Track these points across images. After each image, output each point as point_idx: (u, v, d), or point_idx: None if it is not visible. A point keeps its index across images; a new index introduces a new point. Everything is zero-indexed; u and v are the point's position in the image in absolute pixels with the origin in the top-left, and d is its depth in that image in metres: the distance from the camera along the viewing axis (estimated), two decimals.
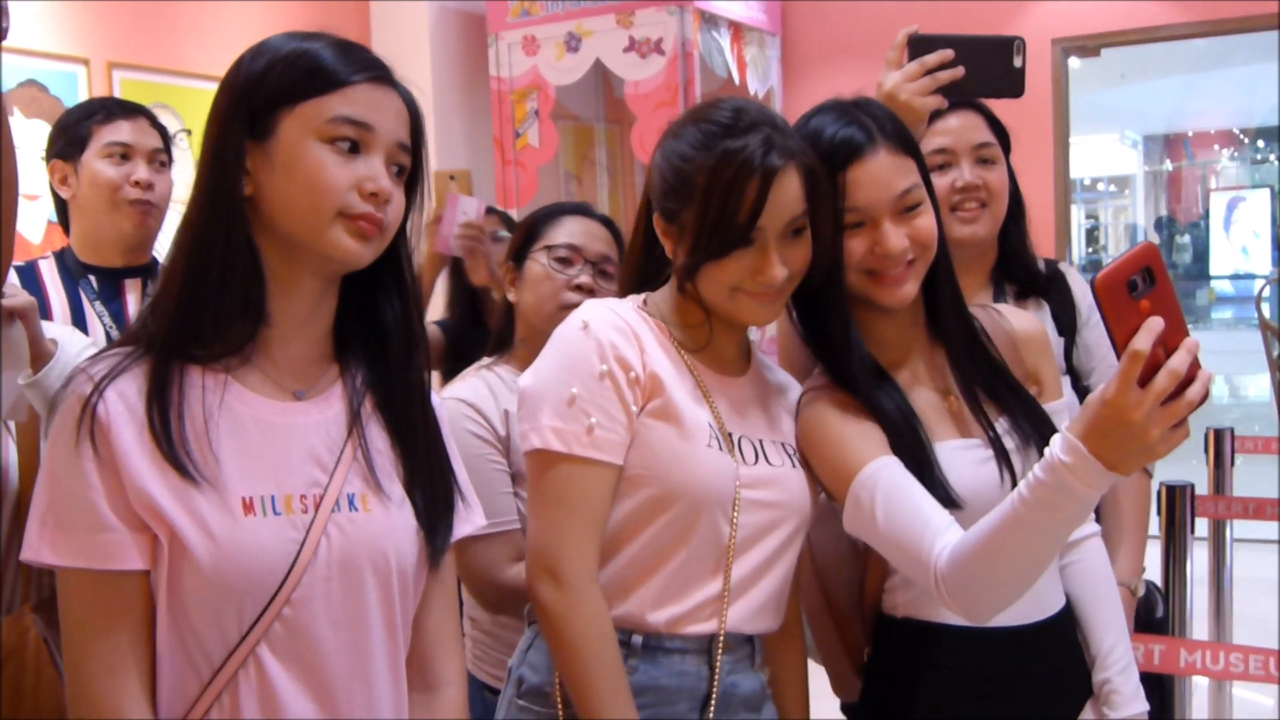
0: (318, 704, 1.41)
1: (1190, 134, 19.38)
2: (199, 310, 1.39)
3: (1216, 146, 19.75)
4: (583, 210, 2.43)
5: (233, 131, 1.41)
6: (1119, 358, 1.29)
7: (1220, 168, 20.11)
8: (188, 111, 5.71)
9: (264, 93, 1.41)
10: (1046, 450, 1.42)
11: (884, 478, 1.67)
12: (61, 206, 2.57)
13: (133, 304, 2.52)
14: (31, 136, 5.02)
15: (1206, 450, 4.26)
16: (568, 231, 2.34)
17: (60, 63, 5.23)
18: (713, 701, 1.69)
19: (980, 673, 1.79)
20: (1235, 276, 17.96)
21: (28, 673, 1.80)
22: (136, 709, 1.35)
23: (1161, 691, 2.60)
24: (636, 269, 1.84)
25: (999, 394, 1.82)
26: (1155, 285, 1.30)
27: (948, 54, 1.99)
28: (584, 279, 2.28)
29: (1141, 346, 1.27)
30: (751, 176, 1.60)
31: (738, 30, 6.92)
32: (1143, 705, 1.87)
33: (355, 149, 1.41)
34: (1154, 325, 1.28)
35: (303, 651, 1.39)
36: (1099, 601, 1.89)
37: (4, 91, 4.63)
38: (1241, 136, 19.15)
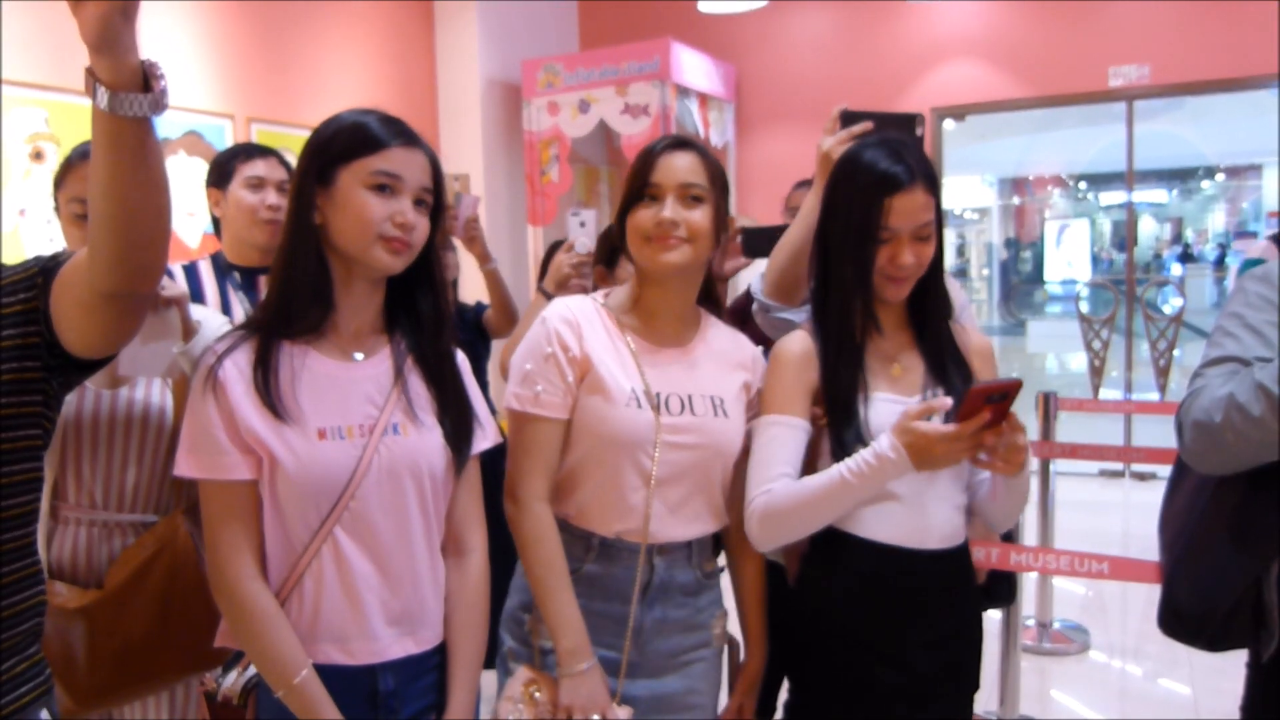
0: (375, 566, 1.48)
1: (1031, 178, 19.35)
2: (288, 301, 1.47)
3: (1050, 187, 19.74)
4: None
5: (308, 181, 1.47)
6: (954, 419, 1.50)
7: (1053, 202, 20.10)
8: None
9: (329, 153, 1.46)
10: (875, 443, 1.57)
11: (777, 432, 1.69)
12: (215, 222, 2.54)
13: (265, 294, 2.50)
14: (193, 171, 5.00)
15: (1037, 407, 4.22)
16: None
17: (213, 118, 5.20)
18: (646, 589, 1.69)
19: (873, 569, 1.70)
20: (1063, 281, 17.97)
21: (179, 556, 1.81)
22: (250, 575, 1.44)
23: (1009, 583, 2.60)
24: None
25: (945, 372, 1.75)
26: (1005, 401, 1.47)
27: (868, 125, 1.92)
28: None
29: (969, 429, 1.48)
30: (652, 153, 1.67)
31: (704, 99, 6.88)
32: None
33: (391, 192, 1.45)
34: (983, 419, 1.47)
35: (363, 531, 1.47)
36: None
37: (172, 139, 4.60)
38: (1068, 180, 19.15)
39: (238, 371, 1.43)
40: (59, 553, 1.78)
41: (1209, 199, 19.85)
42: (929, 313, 1.78)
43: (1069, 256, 18.47)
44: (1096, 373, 7.41)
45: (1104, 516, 6.14)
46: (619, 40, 6.87)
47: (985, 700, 3.57)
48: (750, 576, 1.82)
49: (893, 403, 1.71)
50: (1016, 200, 20.00)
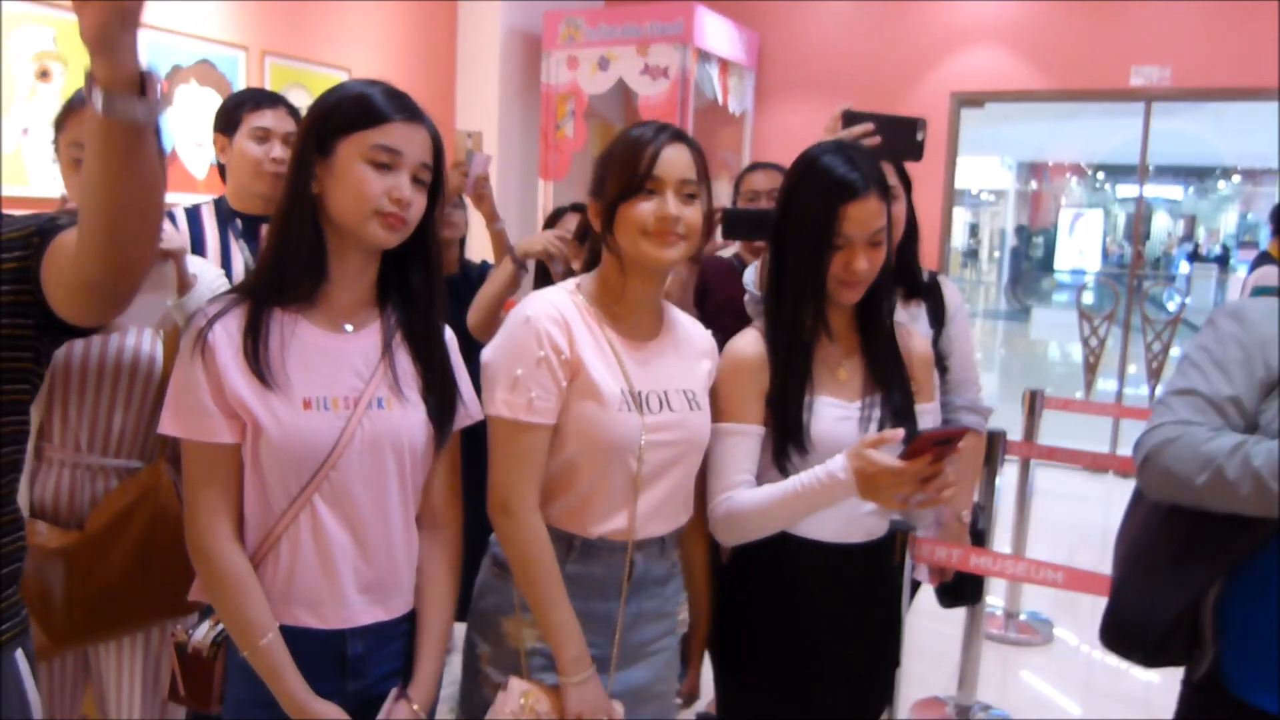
0: (351, 535, 1.51)
1: (1050, 163, 19.27)
2: (282, 269, 1.49)
3: (1068, 174, 19.66)
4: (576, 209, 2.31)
5: (308, 149, 1.48)
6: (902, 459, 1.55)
7: (1069, 189, 20.04)
8: (317, 90, 5.65)
9: (330, 124, 1.47)
10: (830, 462, 1.64)
11: (736, 440, 1.76)
12: (221, 167, 2.55)
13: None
14: (204, 100, 4.99)
15: (1023, 404, 4.27)
16: (565, 225, 2.25)
17: (227, 48, 5.15)
18: (627, 583, 1.70)
19: (805, 564, 1.82)
20: (1072, 271, 18.00)
21: (161, 503, 1.84)
22: (225, 537, 1.47)
23: (976, 584, 2.65)
24: (583, 261, 1.80)
25: (888, 379, 1.83)
26: (949, 445, 1.55)
27: (869, 127, 1.96)
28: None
29: (913, 469, 1.54)
30: (649, 143, 1.62)
31: (725, 64, 6.84)
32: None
33: (389, 168, 1.46)
34: (925, 460, 1.54)
35: (342, 500, 1.49)
36: None
37: (183, 67, 4.55)
38: (1087, 168, 19.08)
39: (227, 336, 1.45)
40: (41, 493, 1.81)
41: (1224, 199, 19.82)
42: (875, 317, 1.84)
43: (1081, 245, 18.47)
44: (1090, 368, 7.44)
45: (1087, 509, 6.19)
46: None
47: (945, 685, 3.66)
48: (698, 558, 1.88)
49: (835, 407, 1.78)
50: (1034, 185, 19.95)
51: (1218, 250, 18.27)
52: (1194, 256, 18.54)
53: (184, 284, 1.81)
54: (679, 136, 1.66)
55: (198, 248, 2.39)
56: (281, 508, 1.48)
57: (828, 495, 1.64)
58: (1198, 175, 19.04)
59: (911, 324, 2.26)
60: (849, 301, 1.78)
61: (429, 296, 1.60)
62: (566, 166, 6.72)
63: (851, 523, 1.81)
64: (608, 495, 1.65)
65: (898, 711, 2.02)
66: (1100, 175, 19.11)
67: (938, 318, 2.40)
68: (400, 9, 6.29)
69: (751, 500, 1.73)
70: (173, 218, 2.39)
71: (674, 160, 1.62)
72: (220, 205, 2.51)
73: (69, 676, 1.91)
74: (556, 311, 1.64)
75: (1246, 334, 1.60)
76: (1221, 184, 19.57)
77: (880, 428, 1.78)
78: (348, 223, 1.47)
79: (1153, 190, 19.73)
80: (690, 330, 1.83)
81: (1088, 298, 7.94)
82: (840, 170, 1.72)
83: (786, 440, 1.75)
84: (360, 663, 1.55)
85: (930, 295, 2.42)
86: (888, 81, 6.99)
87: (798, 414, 1.75)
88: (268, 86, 5.29)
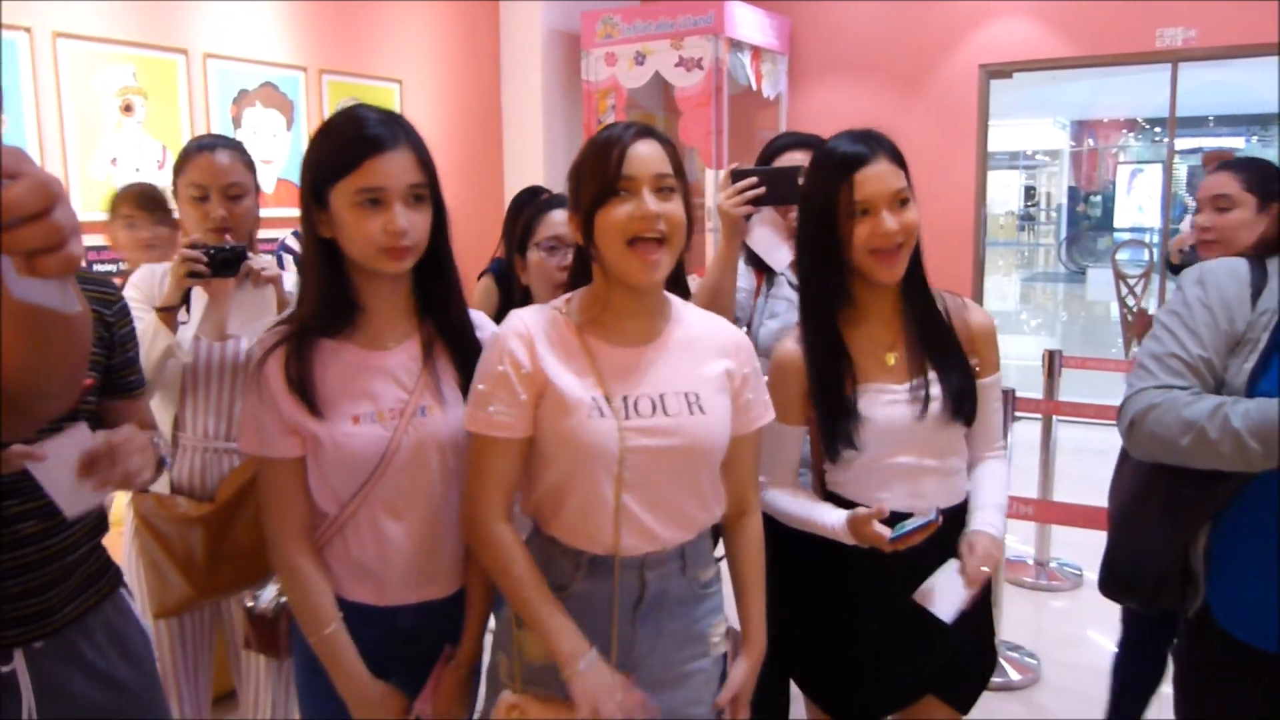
0: (402, 528, 1.69)
1: (1104, 120, 19.09)
2: (317, 309, 1.66)
3: (1124, 130, 19.45)
4: (560, 203, 2.34)
5: (308, 202, 1.63)
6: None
7: (1125, 145, 19.81)
8: (372, 102, 6.09)
9: (317, 177, 1.61)
10: (835, 519, 1.82)
11: (779, 439, 1.90)
12: None
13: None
14: (268, 121, 5.47)
15: (1043, 364, 4.55)
16: (550, 225, 2.33)
17: (288, 70, 5.60)
18: (639, 603, 1.67)
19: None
20: (1133, 229, 17.84)
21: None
22: (292, 538, 1.67)
23: None
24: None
25: (941, 357, 1.87)
26: (926, 531, 1.75)
27: (753, 180, 2.13)
28: (568, 260, 2.13)
29: (890, 547, 1.74)
30: (616, 144, 1.57)
31: (757, 51, 7.14)
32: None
33: (378, 202, 1.57)
34: (909, 540, 1.75)
35: (393, 499, 1.67)
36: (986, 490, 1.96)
37: (249, 90, 5.01)
38: (1143, 123, 18.87)
39: (278, 367, 1.62)
40: (179, 473, 2.23)
41: None
42: (916, 297, 1.89)
43: (1140, 202, 18.28)
44: (1129, 327, 7.65)
45: (1108, 463, 6.34)
46: None
47: None
48: (745, 559, 1.82)
49: (882, 392, 1.85)
50: (1091, 143, 19.75)
51: None
52: None
53: (282, 303, 2.22)
54: (647, 132, 1.62)
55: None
56: (343, 502, 1.66)
57: (834, 538, 1.83)
58: (1260, 123, 18.74)
59: None
60: (890, 277, 1.81)
61: (450, 299, 1.73)
62: None
63: (927, 494, 1.88)
64: (599, 505, 1.61)
65: None
66: (1158, 130, 18.91)
67: None
68: (445, 20, 6.69)
69: (788, 505, 1.91)
70: (296, 235, 2.85)
71: (645, 156, 1.57)
72: None
73: (206, 624, 2.36)
74: (523, 327, 1.64)
75: (1210, 297, 1.70)
76: None
77: (940, 408, 1.84)
78: (359, 259, 1.61)
79: (1214, 141, 19.48)
80: (707, 329, 1.74)
81: (1123, 256, 8.10)
82: (846, 146, 1.79)
83: (834, 439, 1.85)
84: (412, 632, 1.74)
85: None
86: (916, 57, 7.22)
87: (839, 409, 1.83)
88: (325, 103, 5.77)
